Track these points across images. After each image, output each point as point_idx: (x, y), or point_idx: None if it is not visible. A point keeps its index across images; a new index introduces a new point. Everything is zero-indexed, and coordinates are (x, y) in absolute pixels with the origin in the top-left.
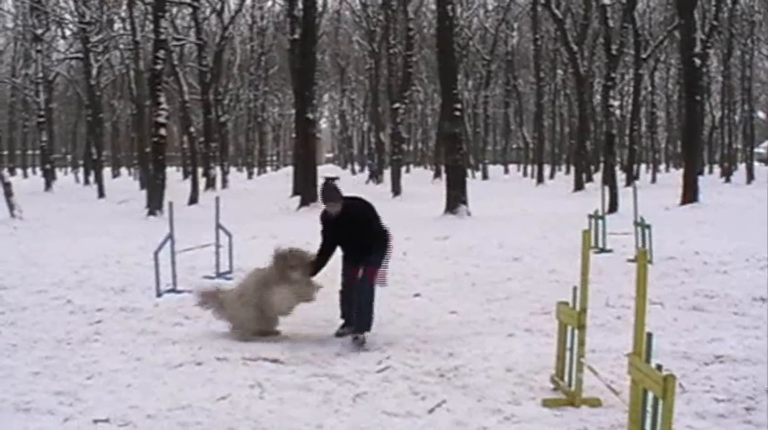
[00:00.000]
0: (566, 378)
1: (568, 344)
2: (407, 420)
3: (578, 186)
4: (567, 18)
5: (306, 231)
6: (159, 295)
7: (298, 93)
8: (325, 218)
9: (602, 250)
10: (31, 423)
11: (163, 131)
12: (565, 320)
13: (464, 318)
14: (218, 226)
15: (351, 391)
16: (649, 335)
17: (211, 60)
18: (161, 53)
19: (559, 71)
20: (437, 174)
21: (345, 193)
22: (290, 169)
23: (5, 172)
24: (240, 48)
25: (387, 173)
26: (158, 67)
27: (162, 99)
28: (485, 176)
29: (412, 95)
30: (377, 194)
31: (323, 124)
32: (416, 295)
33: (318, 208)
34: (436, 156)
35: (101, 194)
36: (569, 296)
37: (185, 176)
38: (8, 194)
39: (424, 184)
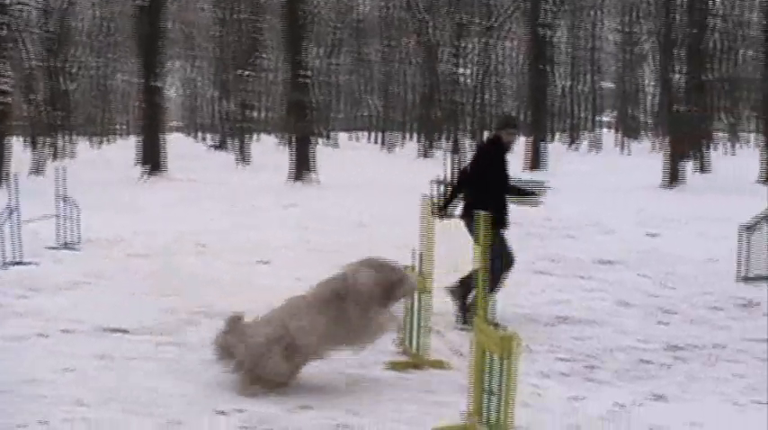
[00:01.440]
0: (411, 341)
1: (413, 309)
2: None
3: (425, 154)
4: None
5: (151, 199)
6: (3, 267)
7: (144, 61)
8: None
9: (449, 216)
10: None
11: (5, 99)
12: None
13: (310, 284)
14: (63, 196)
15: (198, 359)
16: (490, 298)
17: (56, 26)
18: (3, 18)
19: (408, 39)
20: (285, 142)
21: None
22: (136, 138)
23: None
24: (85, 14)
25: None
26: (1, 32)
27: (4, 66)
28: (333, 145)
29: (260, 63)
30: (223, 164)
31: (170, 92)
32: (263, 262)
33: (167, 178)
34: (284, 125)
35: None
36: (414, 261)
37: (28, 146)
38: None
39: (270, 153)
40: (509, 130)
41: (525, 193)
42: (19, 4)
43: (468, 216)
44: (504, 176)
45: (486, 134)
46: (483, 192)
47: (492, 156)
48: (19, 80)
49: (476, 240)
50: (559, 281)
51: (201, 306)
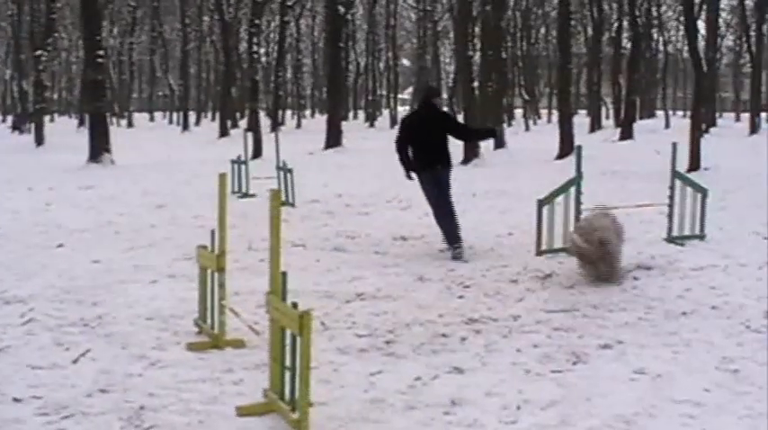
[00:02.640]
0: (208, 321)
1: (210, 288)
2: (52, 372)
3: (224, 133)
4: None
5: None
6: None
7: None
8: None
9: (246, 195)
10: None
11: None
12: (205, 264)
13: (107, 266)
14: None
15: None
16: (284, 274)
17: None
18: None
19: (206, 18)
20: (81, 123)
21: None
22: None
23: None
24: None
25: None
26: None
27: None
28: (130, 124)
29: (56, 42)
30: (20, 146)
31: None
32: (60, 245)
33: None
34: (81, 105)
35: None
36: (208, 240)
37: None
38: None
39: (68, 134)
40: (437, 99)
41: (485, 133)
42: None
43: (432, 168)
44: (450, 132)
45: (281, 112)
46: (444, 147)
47: (437, 117)
48: None
49: (442, 185)
50: (354, 257)
51: None
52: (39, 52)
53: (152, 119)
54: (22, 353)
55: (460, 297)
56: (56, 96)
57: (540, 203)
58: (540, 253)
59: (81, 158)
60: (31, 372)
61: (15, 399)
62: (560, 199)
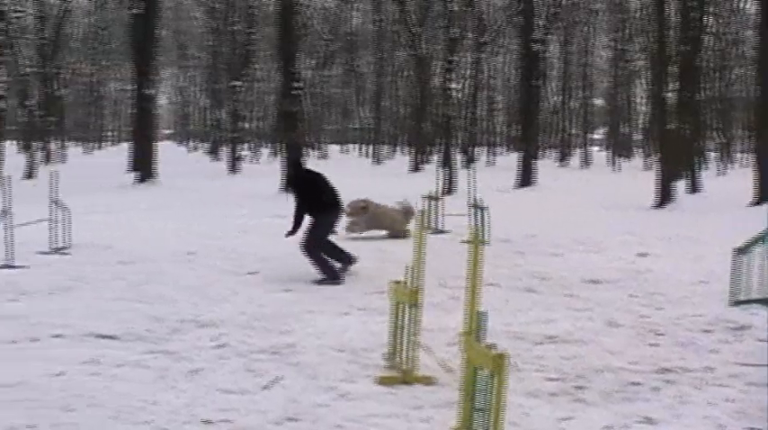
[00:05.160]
0: (399, 356)
1: (402, 323)
2: (242, 397)
3: (416, 167)
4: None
5: (141, 207)
6: None
7: (137, 68)
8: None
9: (438, 231)
10: None
11: (0, 104)
12: (398, 299)
13: (298, 296)
14: (55, 201)
15: (186, 368)
16: (482, 314)
17: (51, 33)
18: (0, 24)
19: (400, 53)
20: (275, 153)
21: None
22: (128, 145)
23: None
24: (80, 21)
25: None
26: None
27: (0, 71)
28: (323, 156)
29: (252, 73)
30: (215, 172)
31: (162, 100)
32: (252, 273)
33: (157, 185)
34: (275, 135)
35: None
36: (403, 275)
37: (22, 150)
38: None
39: (264, 163)
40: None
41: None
42: (16, 11)
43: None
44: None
45: (472, 150)
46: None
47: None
48: (13, 85)
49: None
50: (545, 298)
51: (190, 315)
52: (235, 82)
53: (345, 151)
54: (213, 377)
55: (652, 345)
56: (249, 126)
57: (739, 252)
58: (735, 303)
59: (274, 186)
60: (222, 396)
61: (205, 421)
62: (759, 248)
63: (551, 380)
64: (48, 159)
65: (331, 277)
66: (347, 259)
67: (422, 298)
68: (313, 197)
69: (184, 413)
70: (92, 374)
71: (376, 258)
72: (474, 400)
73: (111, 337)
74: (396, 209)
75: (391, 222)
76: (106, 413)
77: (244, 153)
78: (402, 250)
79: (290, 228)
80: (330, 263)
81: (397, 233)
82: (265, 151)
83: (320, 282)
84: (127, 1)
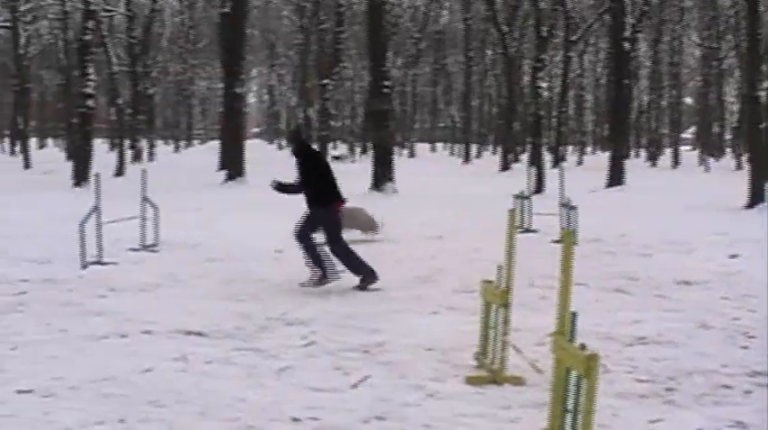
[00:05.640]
0: (489, 356)
1: (492, 323)
2: (331, 395)
3: (505, 166)
4: None
5: (230, 205)
6: (84, 267)
7: (226, 67)
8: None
9: (527, 230)
10: None
11: (90, 102)
12: (489, 299)
13: (387, 294)
14: (144, 198)
15: (274, 365)
16: (574, 315)
17: (141, 32)
18: (90, 24)
19: (489, 51)
20: (364, 151)
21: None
22: (216, 143)
23: None
24: (169, 20)
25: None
26: (87, 37)
27: (90, 70)
28: (411, 154)
29: (341, 72)
30: None
31: (251, 99)
32: (340, 271)
33: (246, 183)
34: (363, 133)
35: (26, 165)
36: (493, 275)
37: (112, 148)
38: None
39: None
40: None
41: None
42: (106, 10)
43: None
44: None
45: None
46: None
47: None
48: (103, 84)
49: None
50: (635, 299)
51: (278, 312)
52: (325, 81)
53: (433, 149)
54: (302, 375)
55: (744, 347)
56: (338, 124)
57: None
58: None
59: (362, 185)
60: (310, 394)
61: (294, 419)
62: None
63: (641, 381)
64: (138, 157)
65: (322, 276)
66: (330, 271)
67: (512, 298)
68: (320, 183)
69: (272, 410)
70: (180, 371)
71: (465, 257)
72: (564, 402)
73: (199, 334)
74: (366, 212)
75: (365, 220)
76: (194, 409)
77: (336, 152)
78: (491, 249)
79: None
80: (323, 258)
81: (370, 233)
82: (352, 149)
83: (314, 284)
84: (216, 0)
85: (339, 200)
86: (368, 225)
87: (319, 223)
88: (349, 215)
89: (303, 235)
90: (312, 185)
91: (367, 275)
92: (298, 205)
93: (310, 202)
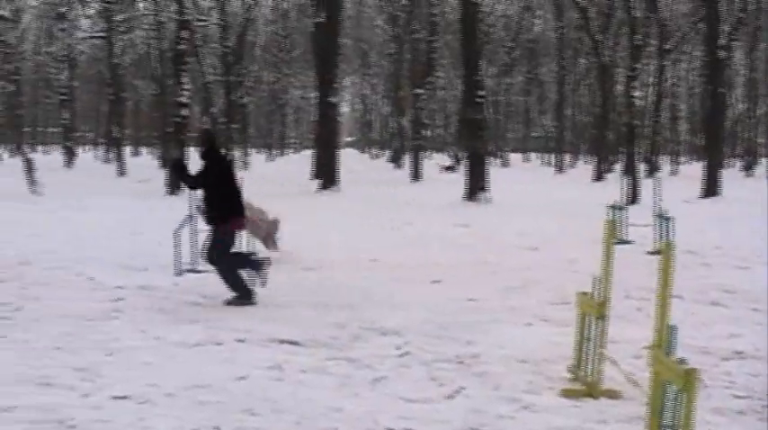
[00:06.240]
0: (584, 368)
1: (587, 335)
2: (425, 406)
3: (598, 176)
4: (591, 7)
5: (324, 213)
6: (179, 274)
7: (320, 76)
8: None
9: (622, 241)
10: (50, 397)
11: (184, 111)
12: (585, 310)
13: (482, 305)
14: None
15: (369, 375)
16: (672, 328)
17: (234, 41)
18: (184, 33)
19: (582, 60)
20: (458, 160)
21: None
22: (310, 152)
23: (26, 148)
24: (263, 30)
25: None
26: (182, 47)
27: (184, 79)
28: (504, 164)
29: (434, 81)
30: (397, 179)
31: (344, 108)
32: (435, 281)
33: (340, 192)
34: (457, 143)
35: (121, 173)
36: (588, 286)
37: None
38: (30, 170)
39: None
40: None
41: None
42: (199, 20)
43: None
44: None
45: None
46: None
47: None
48: (197, 93)
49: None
50: (732, 312)
51: (372, 322)
52: (418, 90)
53: (526, 159)
54: (396, 385)
55: None
56: (432, 133)
57: None
58: None
59: (456, 195)
60: (405, 405)
61: (388, 429)
62: None
63: (739, 397)
64: (243, 166)
65: (243, 296)
66: (258, 264)
67: (609, 310)
68: (221, 192)
69: (367, 420)
70: (275, 379)
71: (560, 268)
72: (661, 417)
73: (293, 343)
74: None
75: (268, 227)
76: (290, 418)
77: (447, 163)
78: (586, 260)
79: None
80: (241, 279)
81: (269, 243)
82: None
83: (232, 303)
84: (310, 10)
85: (238, 215)
86: (268, 237)
87: (213, 236)
88: (254, 226)
89: (212, 257)
90: (213, 193)
91: (243, 295)
92: (392, 214)
93: (207, 212)
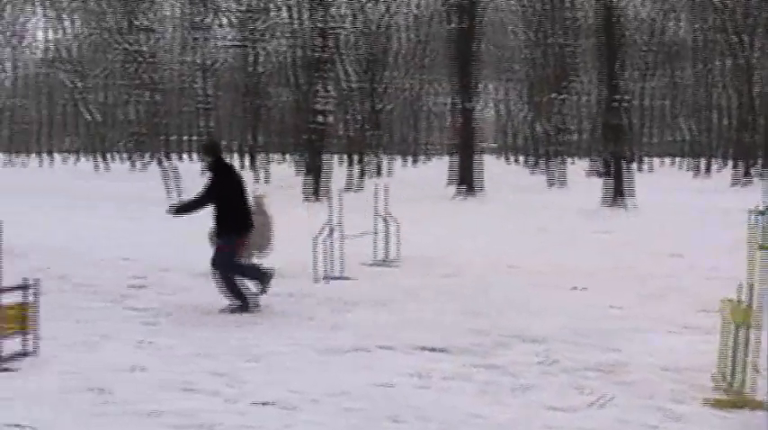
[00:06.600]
0: (730, 378)
1: (733, 343)
2: (569, 415)
3: (739, 180)
4: (731, 7)
5: (463, 219)
6: (321, 280)
7: (458, 82)
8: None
9: (764, 247)
10: (194, 402)
11: (323, 118)
12: (731, 318)
13: (624, 312)
14: (383, 214)
15: (511, 383)
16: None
17: (373, 48)
18: (322, 41)
19: (720, 62)
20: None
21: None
22: (448, 158)
23: (162, 156)
24: (401, 36)
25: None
26: (320, 54)
27: (323, 86)
28: (640, 168)
29: (573, 86)
30: (533, 186)
31: (483, 114)
32: (575, 288)
33: (479, 198)
34: (599, 148)
35: (256, 178)
36: (731, 293)
37: (344, 163)
38: (176, 178)
39: (582, 175)
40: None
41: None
42: (335, 28)
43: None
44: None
45: None
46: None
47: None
48: (338, 100)
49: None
50: None
51: (514, 329)
52: (556, 95)
53: (663, 163)
54: (539, 393)
55: None
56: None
57: None
58: None
59: (596, 200)
60: (549, 413)
61: None
62: None
63: None
64: (378, 172)
65: (242, 306)
66: (262, 274)
67: (760, 318)
68: (232, 205)
69: (510, 428)
70: (419, 387)
71: (702, 275)
72: None
73: (436, 350)
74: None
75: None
76: (434, 426)
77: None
78: (729, 266)
79: (188, 204)
80: (238, 288)
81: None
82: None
83: (231, 311)
84: (450, 16)
85: (244, 230)
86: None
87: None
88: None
89: (215, 261)
90: (223, 205)
91: (240, 307)
92: (531, 224)
93: (217, 227)
